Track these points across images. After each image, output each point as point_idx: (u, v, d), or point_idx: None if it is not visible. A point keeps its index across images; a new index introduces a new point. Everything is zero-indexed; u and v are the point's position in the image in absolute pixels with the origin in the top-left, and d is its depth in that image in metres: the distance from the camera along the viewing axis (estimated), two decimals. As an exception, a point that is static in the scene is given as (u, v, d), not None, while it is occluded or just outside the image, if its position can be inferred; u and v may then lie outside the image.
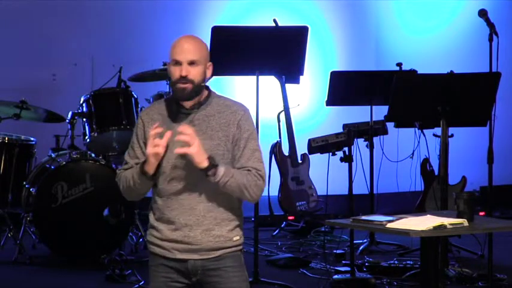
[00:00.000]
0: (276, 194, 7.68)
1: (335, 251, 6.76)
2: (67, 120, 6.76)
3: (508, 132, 8.72)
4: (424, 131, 6.40)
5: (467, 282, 5.93)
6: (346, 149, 6.03)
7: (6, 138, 6.78)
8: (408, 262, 6.27)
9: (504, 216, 8.32)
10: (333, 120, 8.14)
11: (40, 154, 7.01)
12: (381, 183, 7.28)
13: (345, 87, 6.81)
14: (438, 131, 5.55)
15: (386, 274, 6.11)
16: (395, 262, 6.31)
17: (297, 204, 7.67)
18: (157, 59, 7.22)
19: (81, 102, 6.79)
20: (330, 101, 6.85)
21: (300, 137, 7.60)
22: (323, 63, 8.82)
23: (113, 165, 6.79)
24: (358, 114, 7.13)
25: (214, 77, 3.72)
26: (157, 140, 3.50)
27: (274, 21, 7.00)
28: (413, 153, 6.78)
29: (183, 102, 3.62)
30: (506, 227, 4.49)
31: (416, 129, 6.43)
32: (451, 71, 5.69)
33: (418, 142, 6.50)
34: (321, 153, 6.30)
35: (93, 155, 6.65)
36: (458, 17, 9.16)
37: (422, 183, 6.94)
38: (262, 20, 7.99)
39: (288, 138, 7.77)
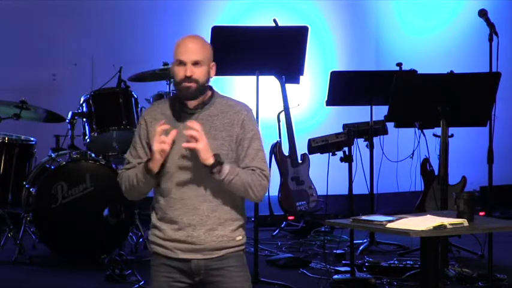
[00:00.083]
0: (276, 194, 7.68)
1: (335, 251, 6.76)
2: (67, 120, 6.76)
3: (508, 132, 8.72)
4: (424, 131, 6.40)
5: (467, 282, 5.93)
6: (346, 149, 6.03)
7: (6, 138, 6.78)
8: (408, 262, 6.27)
9: (504, 216, 8.32)
10: (333, 120, 8.14)
11: (40, 154, 7.01)
12: (381, 183, 7.28)
13: (345, 87, 6.81)
14: (438, 131, 5.55)
15: (387, 274, 6.11)
16: (395, 262, 6.31)
17: (297, 204, 7.67)
18: (157, 59, 7.23)
19: (81, 102, 6.79)
20: (330, 101, 6.85)
21: (300, 137, 7.60)
22: (323, 63, 8.82)
23: (113, 165, 6.79)
24: (358, 114, 7.13)
25: (214, 76, 3.72)
26: (164, 137, 3.50)
27: (274, 21, 7.00)
28: (413, 153, 6.78)
29: (186, 102, 3.62)
30: (506, 227, 4.49)
31: (416, 129, 6.43)
32: (451, 71, 5.69)
33: (418, 142, 6.50)
34: (321, 153, 6.30)
35: (93, 155, 6.65)
36: (458, 17, 9.16)
37: (422, 183, 6.94)
38: (262, 20, 7.99)
39: (288, 138, 7.77)
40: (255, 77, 6.03)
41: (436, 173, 6.67)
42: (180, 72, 3.59)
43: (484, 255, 6.48)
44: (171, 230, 3.61)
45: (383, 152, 6.97)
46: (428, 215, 4.17)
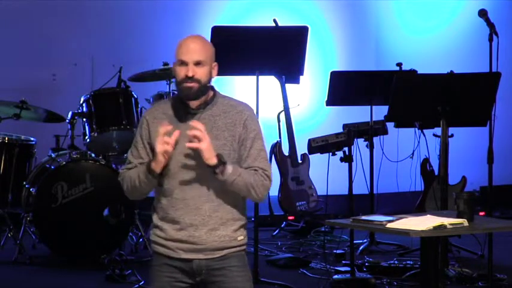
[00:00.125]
0: (276, 194, 7.68)
1: (335, 251, 6.76)
2: (67, 120, 6.76)
3: (508, 132, 8.72)
4: (424, 131, 6.40)
5: (467, 282, 5.93)
6: (346, 149, 6.03)
7: (6, 138, 6.78)
8: (408, 262, 6.27)
9: (504, 216, 8.32)
10: (333, 120, 8.14)
11: (40, 154, 7.01)
12: (381, 183, 7.28)
13: (345, 87, 6.81)
14: (438, 131, 5.56)
15: (387, 274, 6.11)
16: (395, 262, 6.31)
17: (297, 204, 7.67)
18: (157, 59, 7.23)
19: (81, 102, 6.79)
20: (330, 101, 6.86)
21: (300, 137, 7.60)
22: (323, 63, 8.81)
23: (113, 165, 6.79)
24: (358, 114, 7.13)
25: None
26: (167, 138, 3.50)
27: (274, 21, 7.00)
28: (413, 153, 6.78)
29: (188, 102, 3.62)
30: (506, 227, 4.49)
31: (416, 129, 6.43)
32: (451, 71, 5.69)
33: (418, 142, 6.50)
34: (321, 153, 6.30)
35: (93, 155, 6.65)
36: (458, 17, 9.16)
37: (422, 183, 6.94)
38: (262, 20, 7.99)
39: (288, 138, 7.77)
40: (255, 77, 6.03)
41: (436, 173, 6.67)
42: (181, 72, 3.58)
43: (484, 255, 6.48)
44: (173, 230, 3.61)
45: (383, 152, 6.97)
46: (428, 215, 4.17)
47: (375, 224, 4.02)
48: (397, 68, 7.02)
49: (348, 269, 6.02)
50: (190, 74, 3.56)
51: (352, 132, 6.11)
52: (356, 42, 9.06)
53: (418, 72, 6.72)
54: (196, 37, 3.67)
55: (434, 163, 6.60)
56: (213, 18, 8.32)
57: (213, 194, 3.59)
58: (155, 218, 3.69)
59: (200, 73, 3.58)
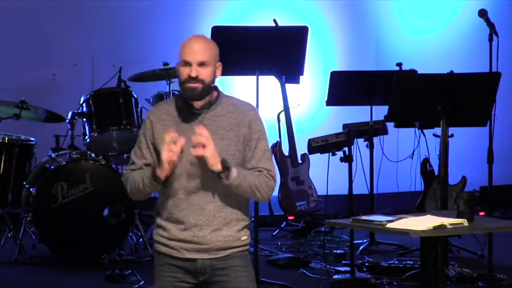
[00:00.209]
0: (276, 194, 7.68)
1: (335, 251, 6.76)
2: (67, 120, 6.76)
3: (508, 132, 8.72)
4: (424, 131, 6.40)
5: (467, 282, 5.93)
6: (346, 149, 6.03)
7: (6, 138, 6.78)
8: (408, 262, 6.27)
9: (504, 216, 8.32)
10: (333, 120, 8.14)
11: (40, 154, 7.01)
12: (381, 183, 7.28)
13: (345, 87, 6.81)
14: (438, 131, 5.55)
15: (387, 274, 6.11)
16: (395, 262, 6.31)
17: (297, 204, 7.67)
18: (157, 59, 7.23)
19: (81, 102, 6.79)
20: (330, 101, 6.86)
21: (300, 137, 7.60)
22: (323, 63, 8.82)
23: (113, 165, 6.79)
24: (358, 114, 7.13)
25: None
26: (173, 146, 3.48)
27: (274, 21, 7.00)
28: (413, 153, 6.78)
29: (192, 102, 3.62)
30: (506, 227, 4.49)
31: (416, 129, 6.43)
32: (451, 71, 5.69)
33: (418, 142, 6.50)
34: (321, 153, 6.30)
35: (93, 155, 6.66)
36: (458, 17, 9.16)
37: (422, 183, 6.94)
38: (262, 20, 7.99)
39: (288, 138, 7.77)
40: (255, 77, 6.03)
41: (436, 173, 6.67)
42: (184, 73, 3.58)
43: (484, 255, 6.48)
44: (177, 230, 3.61)
45: (383, 152, 6.97)
46: (428, 215, 4.17)
47: (375, 224, 4.02)
48: (397, 68, 7.02)
49: (348, 269, 6.02)
50: (193, 75, 3.56)
51: (352, 132, 6.11)
52: (356, 42, 9.06)
53: (418, 72, 6.72)
54: (200, 37, 3.67)
55: (434, 163, 6.60)
56: (213, 18, 8.32)
57: (217, 194, 3.59)
58: (159, 218, 3.68)
59: (204, 73, 3.57)
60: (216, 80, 3.67)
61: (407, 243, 6.93)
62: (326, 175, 6.02)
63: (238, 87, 8.17)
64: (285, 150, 7.78)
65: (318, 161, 6.98)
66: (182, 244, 3.61)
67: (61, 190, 6.37)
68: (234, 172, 3.52)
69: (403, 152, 7.09)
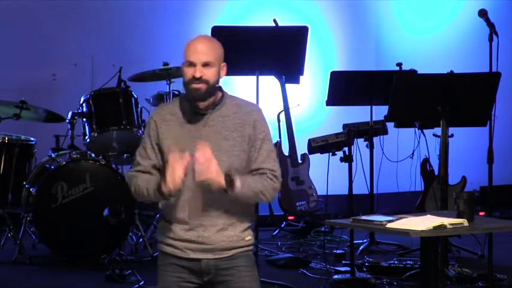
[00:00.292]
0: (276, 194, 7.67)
1: (335, 251, 6.76)
2: (67, 120, 6.76)
3: (508, 132, 8.72)
4: (424, 131, 6.40)
5: (467, 282, 5.93)
6: (346, 149, 6.03)
7: (6, 138, 6.78)
8: (408, 262, 6.27)
9: (504, 216, 8.32)
10: (333, 120, 8.14)
11: (40, 154, 7.01)
12: (381, 183, 7.28)
13: (345, 87, 6.81)
14: (438, 131, 5.56)
15: (387, 274, 6.11)
16: (395, 262, 6.31)
17: (297, 204, 7.67)
18: (157, 59, 7.22)
19: (81, 102, 6.79)
20: (330, 101, 6.86)
21: (300, 137, 7.60)
22: (323, 63, 8.81)
23: (113, 165, 6.79)
24: (358, 114, 7.13)
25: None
26: (179, 171, 3.44)
27: (274, 21, 7.00)
28: (413, 153, 6.78)
29: (197, 102, 3.61)
30: (506, 227, 4.49)
31: (416, 129, 6.43)
32: (451, 71, 5.69)
33: (418, 142, 6.50)
34: (321, 153, 6.30)
35: (93, 155, 6.65)
36: (458, 17, 9.16)
37: (422, 183, 6.94)
38: (262, 20, 7.99)
39: (288, 138, 7.77)
40: (255, 77, 6.03)
41: (436, 173, 6.67)
42: (189, 73, 3.58)
43: (484, 255, 6.48)
44: (181, 230, 3.61)
45: (383, 152, 6.97)
46: (428, 215, 4.17)
47: (375, 224, 4.02)
48: (397, 68, 7.02)
49: (348, 269, 6.02)
50: (197, 75, 3.56)
51: (352, 132, 6.11)
52: (356, 42, 9.06)
53: (418, 72, 6.72)
54: (205, 38, 3.67)
55: (434, 163, 6.60)
56: (213, 18, 8.32)
57: (221, 195, 3.58)
58: (163, 218, 3.68)
59: (208, 74, 3.57)
60: (221, 80, 3.67)
61: (407, 243, 6.93)
62: (326, 175, 6.02)
63: (238, 87, 8.17)
64: (285, 150, 7.78)
65: (318, 161, 6.98)
66: (187, 244, 3.61)
67: (61, 190, 6.37)
68: (238, 183, 3.51)
69: (403, 152, 7.09)
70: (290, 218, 7.78)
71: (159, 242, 3.72)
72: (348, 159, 5.98)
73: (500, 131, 6.23)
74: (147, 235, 6.88)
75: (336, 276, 5.91)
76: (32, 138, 6.97)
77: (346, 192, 6.03)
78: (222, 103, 3.65)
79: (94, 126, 6.70)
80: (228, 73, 6.57)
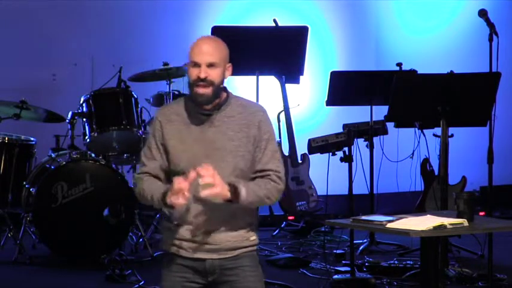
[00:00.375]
0: (276, 194, 7.66)
1: (335, 251, 6.76)
2: (67, 120, 6.76)
3: (508, 132, 8.72)
4: (424, 131, 6.39)
5: (467, 282, 5.93)
6: (346, 149, 6.03)
7: (6, 138, 6.78)
8: (408, 262, 6.27)
9: (504, 216, 8.32)
10: (333, 120, 8.14)
11: (40, 154, 7.01)
12: (381, 183, 7.28)
13: (345, 87, 6.81)
14: (438, 131, 5.56)
15: (387, 274, 6.11)
16: (395, 262, 6.31)
17: (297, 204, 7.67)
18: (157, 59, 7.23)
19: (81, 102, 6.80)
20: (330, 101, 6.86)
21: (300, 137, 7.60)
22: (323, 63, 8.81)
23: (113, 165, 6.79)
24: (358, 114, 7.13)
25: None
26: (184, 191, 3.43)
27: (274, 21, 7.00)
28: (413, 153, 6.78)
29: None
30: (506, 227, 4.49)
31: (416, 129, 6.43)
32: (451, 71, 5.69)
33: (418, 142, 6.50)
34: (321, 153, 6.30)
35: (93, 155, 6.65)
36: (458, 17, 9.16)
37: (422, 183, 6.94)
38: (262, 20, 7.99)
39: (288, 138, 7.77)
40: (255, 77, 6.03)
41: (436, 173, 6.67)
42: (193, 74, 3.57)
43: (484, 255, 6.47)
44: (186, 230, 3.61)
45: (383, 152, 6.97)
46: (428, 215, 4.17)
47: (375, 224, 4.02)
48: (397, 68, 7.02)
49: (348, 269, 6.02)
50: (202, 76, 3.55)
51: (352, 132, 6.11)
52: (356, 42, 9.06)
53: (418, 72, 6.72)
54: (210, 38, 3.67)
55: (434, 163, 6.60)
56: (213, 18, 8.31)
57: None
58: (167, 218, 3.68)
59: (213, 74, 3.57)
60: (225, 80, 3.67)
61: (407, 243, 6.93)
62: (326, 175, 6.02)
63: (238, 87, 8.17)
64: (285, 150, 7.78)
65: (318, 161, 6.98)
66: (191, 244, 3.61)
67: (61, 190, 6.37)
68: (243, 192, 3.51)
69: (403, 152, 7.09)
70: (290, 218, 7.77)
71: (163, 242, 3.72)
72: (348, 159, 5.98)
73: (500, 131, 6.23)
74: (147, 235, 6.88)
75: (336, 276, 5.91)
76: (32, 138, 6.97)
77: (346, 192, 6.03)
78: (227, 103, 3.65)
79: (94, 126, 6.70)
80: (228, 73, 6.54)
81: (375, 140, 6.95)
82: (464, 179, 6.91)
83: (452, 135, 5.81)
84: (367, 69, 7.75)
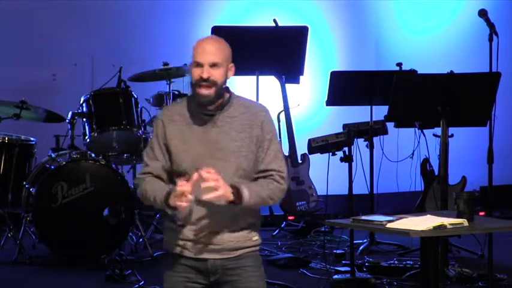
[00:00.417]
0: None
1: (335, 251, 6.76)
2: (67, 120, 6.76)
3: (508, 132, 8.72)
4: (424, 131, 6.39)
5: (467, 282, 5.93)
6: (346, 149, 6.03)
7: (6, 138, 6.78)
8: (408, 262, 6.27)
9: (504, 216, 8.32)
10: (333, 120, 8.14)
11: (40, 154, 7.01)
12: (381, 183, 7.28)
13: (345, 87, 6.81)
14: (438, 131, 5.56)
15: (387, 274, 6.11)
16: (395, 262, 6.31)
17: (297, 204, 7.67)
18: (157, 59, 7.23)
19: (81, 102, 6.80)
20: (330, 101, 6.86)
21: (300, 137, 7.60)
22: (323, 63, 8.81)
23: (113, 165, 6.79)
24: (358, 114, 7.13)
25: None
26: (187, 194, 3.44)
27: (274, 21, 7.00)
28: (413, 153, 6.78)
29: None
30: (506, 227, 4.49)
31: (416, 129, 6.43)
32: (451, 71, 5.69)
33: (418, 142, 6.50)
34: (321, 153, 6.30)
35: (93, 155, 6.65)
36: (458, 17, 9.15)
37: (422, 183, 6.94)
38: (262, 20, 7.99)
39: (288, 138, 7.77)
40: (255, 77, 6.03)
41: (436, 173, 6.67)
42: (196, 74, 3.57)
43: (484, 255, 6.47)
44: (188, 230, 3.61)
45: (383, 152, 6.97)
46: (428, 215, 4.17)
47: (375, 224, 4.02)
48: (397, 68, 7.01)
49: (348, 269, 6.02)
50: (205, 76, 3.55)
51: (352, 132, 6.11)
52: (356, 42, 9.05)
53: (418, 72, 6.72)
54: (213, 38, 3.67)
55: (434, 163, 6.60)
56: (213, 18, 8.31)
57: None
58: (169, 218, 3.67)
59: (216, 74, 3.57)
60: (228, 80, 3.66)
61: (407, 243, 6.92)
62: (326, 175, 6.03)
63: (238, 87, 8.17)
64: (285, 150, 7.77)
65: (318, 161, 6.98)
66: (194, 244, 3.60)
67: (61, 190, 6.37)
68: (246, 194, 3.51)
69: (403, 152, 7.09)
70: (290, 218, 7.77)
71: (165, 242, 3.71)
72: (348, 159, 5.98)
73: (500, 131, 6.23)
74: (147, 235, 6.88)
75: (336, 276, 5.91)
76: (32, 138, 6.97)
77: (346, 192, 6.03)
78: (230, 104, 3.65)
79: (94, 126, 6.70)
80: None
81: (375, 140, 6.95)
82: (464, 179, 6.91)
83: (452, 135, 5.81)
84: (367, 69, 7.76)
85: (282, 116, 7.84)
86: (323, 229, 7.51)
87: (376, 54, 9.04)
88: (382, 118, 6.29)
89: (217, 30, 5.90)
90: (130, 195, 6.47)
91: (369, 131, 6.85)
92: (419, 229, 3.86)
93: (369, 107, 6.83)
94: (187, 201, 3.45)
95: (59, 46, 8.36)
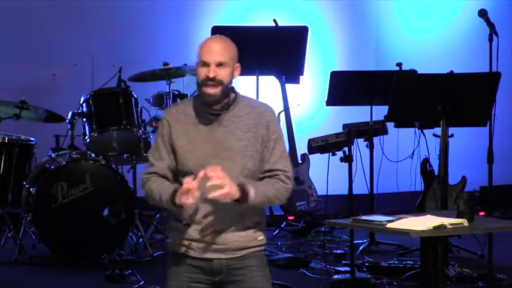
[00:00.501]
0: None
1: (335, 251, 6.76)
2: (67, 120, 6.76)
3: (508, 132, 8.72)
4: (424, 131, 6.39)
5: (467, 282, 5.93)
6: (346, 149, 6.04)
7: (6, 138, 6.78)
8: (408, 262, 6.27)
9: (504, 216, 8.32)
10: (333, 120, 8.14)
11: (40, 154, 7.01)
12: (381, 183, 7.28)
13: (345, 87, 6.81)
14: (438, 131, 5.56)
15: (387, 274, 6.11)
16: (395, 262, 6.31)
17: (297, 204, 7.67)
18: (157, 59, 7.23)
19: (81, 102, 6.80)
20: (330, 101, 6.86)
21: (300, 137, 7.60)
22: (323, 63, 8.81)
23: (113, 165, 6.79)
24: (358, 114, 7.13)
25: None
26: (193, 192, 3.44)
27: (274, 21, 7.00)
28: (413, 153, 6.78)
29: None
30: (506, 227, 4.49)
31: (416, 129, 6.43)
32: (451, 71, 5.69)
33: (418, 142, 6.50)
34: (321, 153, 6.30)
35: (93, 155, 6.66)
36: (458, 17, 9.16)
37: (422, 183, 6.94)
38: (262, 20, 7.99)
39: (288, 138, 7.77)
40: (255, 77, 6.03)
41: (436, 173, 6.67)
42: (202, 73, 3.57)
43: (484, 255, 6.47)
44: (194, 230, 3.60)
45: (383, 152, 6.97)
46: (428, 215, 4.17)
47: (375, 224, 4.02)
48: (397, 68, 7.01)
49: (348, 269, 6.02)
50: (211, 75, 3.55)
51: (352, 132, 6.11)
52: (356, 42, 9.05)
53: (418, 72, 6.72)
54: (219, 38, 3.67)
55: (434, 163, 6.60)
56: (213, 18, 8.31)
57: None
58: (174, 218, 3.67)
59: (222, 74, 3.57)
60: (234, 80, 3.66)
61: (407, 243, 6.92)
62: (326, 175, 6.03)
63: (238, 87, 8.16)
64: (285, 150, 7.76)
65: (318, 161, 6.98)
66: (199, 244, 3.60)
67: (61, 190, 6.37)
68: (252, 193, 3.51)
69: (403, 152, 7.09)
70: (290, 218, 7.77)
71: (170, 242, 3.71)
72: (348, 159, 5.98)
73: (500, 131, 6.23)
74: (147, 235, 6.88)
75: (336, 276, 5.91)
76: (32, 138, 6.97)
77: (346, 192, 6.03)
78: (235, 103, 3.65)
79: (94, 126, 6.70)
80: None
81: (375, 140, 6.95)
82: (464, 179, 6.91)
83: (452, 135, 5.81)
84: (367, 69, 7.75)
85: (282, 116, 7.84)
86: (323, 229, 7.51)
87: (376, 54, 9.04)
88: (382, 118, 6.29)
89: (217, 30, 5.89)
90: (130, 195, 6.48)
91: (369, 131, 6.85)
92: (419, 229, 3.86)
93: (369, 107, 6.82)
94: (193, 198, 3.45)
95: (59, 46, 8.36)
